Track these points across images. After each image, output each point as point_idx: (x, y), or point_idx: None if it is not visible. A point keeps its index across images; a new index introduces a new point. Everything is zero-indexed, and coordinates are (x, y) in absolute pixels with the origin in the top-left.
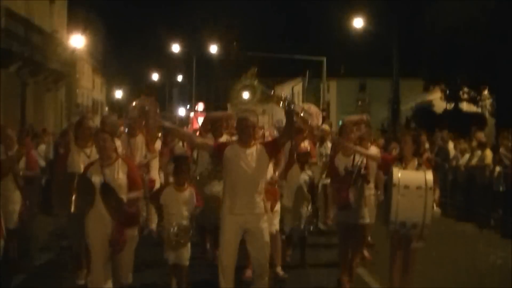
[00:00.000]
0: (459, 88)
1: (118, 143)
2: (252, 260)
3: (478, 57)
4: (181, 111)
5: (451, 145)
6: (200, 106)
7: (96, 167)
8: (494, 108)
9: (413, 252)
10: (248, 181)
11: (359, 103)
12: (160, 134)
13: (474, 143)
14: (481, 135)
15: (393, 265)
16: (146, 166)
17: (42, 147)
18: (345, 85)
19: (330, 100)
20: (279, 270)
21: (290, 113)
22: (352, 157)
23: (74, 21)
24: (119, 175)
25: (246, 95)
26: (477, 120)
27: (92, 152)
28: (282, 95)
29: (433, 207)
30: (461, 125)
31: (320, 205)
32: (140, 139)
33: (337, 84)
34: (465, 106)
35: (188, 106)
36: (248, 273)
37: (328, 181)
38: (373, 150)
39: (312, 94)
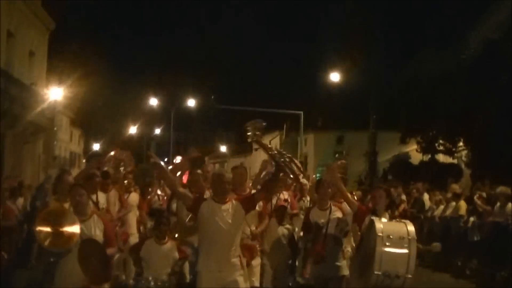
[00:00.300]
0: (434, 140)
1: (102, 197)
2: None
3: (452, 109)
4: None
5: (426, 197)
6: (178, 159)
7: None
8: (469, 159)
9: None
10: (223, 238)
11: (337, 155)
12: (136, 187)
13: (449, 194)
14: (455, 187)
15: None
16: (119, 220)
17: (20, 200)
18: (323, 138)
19: (308, 153)
20: None
21: (279, 169)
22: (328, 211)
23: (53, 73)
24: (96, 232)
25: (224, 148)
26: (453, 171)
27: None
28: (277, 150)
29: (416, 257)
30: (437, 176)
31: (299, 258)
32: (113, 194)
33: (315, 137)
34: (442, 157)
35: (166, 159)
36: None
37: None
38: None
39: (290, 147)
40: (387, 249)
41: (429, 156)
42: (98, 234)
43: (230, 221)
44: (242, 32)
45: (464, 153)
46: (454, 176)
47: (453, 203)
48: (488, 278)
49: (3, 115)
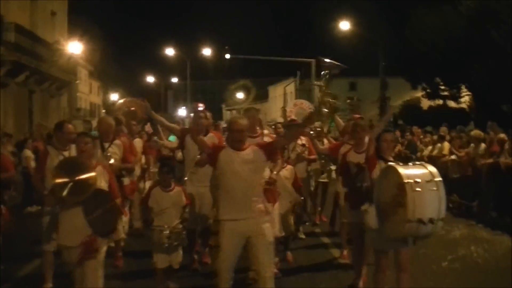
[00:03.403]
0: (437, 87)
1: (115, 148)
2: (257, 264)
3: (453, 57)
4: (181, 112)
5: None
6: (200, 106)
7: None
8: (473, 104)
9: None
10: (244, 185)
11: (348, 101)
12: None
13: (435, 137)
14: (443, 130)
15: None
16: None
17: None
18: (336, 84)
19: None
20: None
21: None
22: (364, 155)
23: (74, 30)
24: (102, 183)
25: (240, 95)
26: (462, 116)
27: (71, 155)
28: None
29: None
30: (445, 121)
31: (317, 202)
32: (122, 141)
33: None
34: (452, 103)
35: (184, 107)
36: (252, 274)
37: (325, 179)
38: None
39: (304, 94)
40: (418, 195)
41: (441, 101)
42: (103, 185)
43: (249, 167)
44: None
45: (468, 98)
46: (463, 120)
47: (439, 144)
48: (465, 209)
49: (32, 73)
